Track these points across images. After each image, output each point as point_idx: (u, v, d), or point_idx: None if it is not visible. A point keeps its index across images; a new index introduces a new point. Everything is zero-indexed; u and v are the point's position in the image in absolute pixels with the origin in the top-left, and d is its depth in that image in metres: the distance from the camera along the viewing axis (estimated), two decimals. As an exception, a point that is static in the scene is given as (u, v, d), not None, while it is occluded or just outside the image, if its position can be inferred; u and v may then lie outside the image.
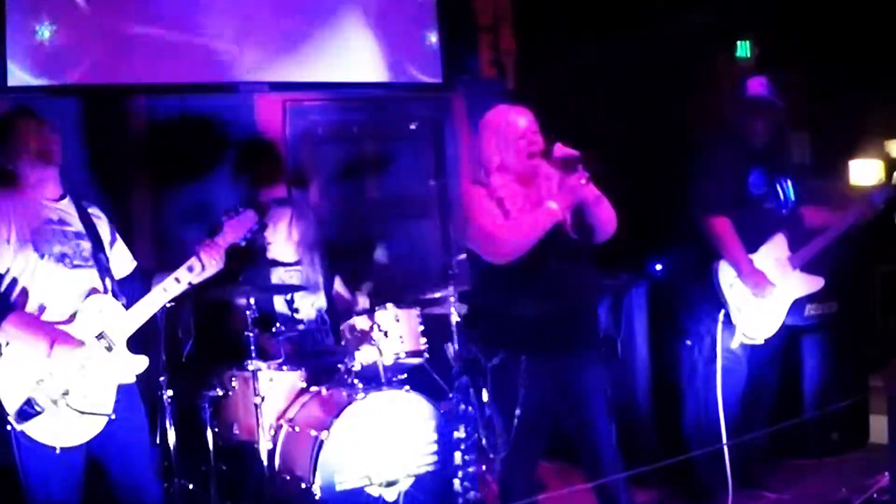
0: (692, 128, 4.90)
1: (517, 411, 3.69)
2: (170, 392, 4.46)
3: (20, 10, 5.06)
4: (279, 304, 5.01)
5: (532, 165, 3.73)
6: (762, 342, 4.50)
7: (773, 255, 4.53)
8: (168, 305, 4.26)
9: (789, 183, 4.63)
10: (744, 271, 4.42)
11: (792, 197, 4.61)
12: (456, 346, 4.93)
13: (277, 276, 5.08)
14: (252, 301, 4.53)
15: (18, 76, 5.06)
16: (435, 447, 4.51)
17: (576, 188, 3.61)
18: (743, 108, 4.52)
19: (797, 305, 4.62)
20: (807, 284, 4.61)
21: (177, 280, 3.65)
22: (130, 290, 3.72)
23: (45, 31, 5.12)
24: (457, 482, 4.57)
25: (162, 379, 4.44)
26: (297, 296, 5.00)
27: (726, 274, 4.44)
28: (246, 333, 4.52)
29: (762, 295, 4.43)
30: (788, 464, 5.14)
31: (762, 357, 4.61)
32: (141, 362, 3.62)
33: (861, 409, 5.41)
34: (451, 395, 4.96)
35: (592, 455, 3.81)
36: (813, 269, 4.61)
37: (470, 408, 4.71)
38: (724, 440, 4.34)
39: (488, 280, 3.78)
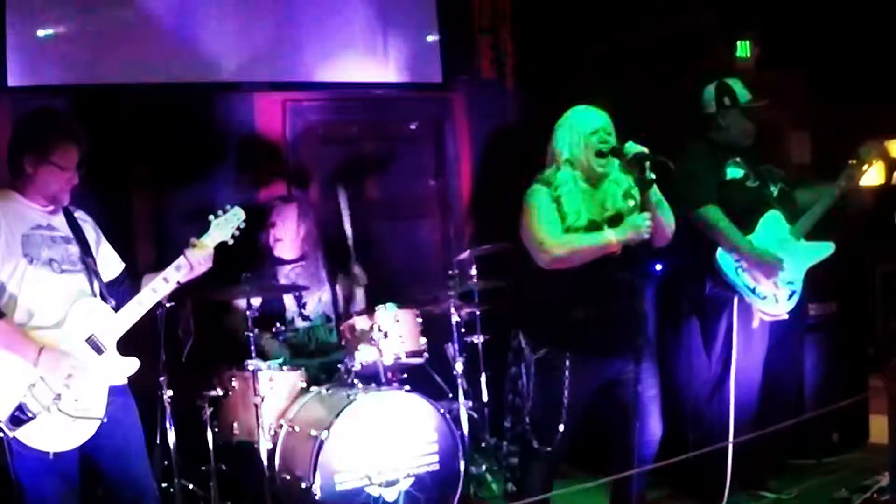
0: (686, 126, 4.91)
1: (563, 407, 3.73)
2: (170, 392, 4.46)
3: (20, 10, 5.05)
4: (288, 300, 5.04)
5: (601, 165, 3.74)
6: (786, 316, 4.50)
7: (771, 230, 4.54)
8: (168, 305, 4.27)
9: (773, 169, 4.66)
10: (743, 254, 4.43)
11: (777, 180, 4.63)
12: (456, 346, 4.94)
13: (283, 273, 5.10)
14: (253, 301, 4.54)
15: (18, 76, 5.05)
16: (435, 447, 4.51)
17: (640, 230, 3.62)
18: (730, 111, 4.57)
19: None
20: (816, 251, 4.61)
21: (165, 280, 3.63)
22: (119, 292, 3.71)
23: (44, 31, 5.12)
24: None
25: (162, 379, 4.44)
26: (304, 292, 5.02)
27: (729, 260, 4.45)
28: (246, 333, 4.53)
29: (772, 273, 4.44)
30: (788, 464, 5.14)
31: (779, 340, 4.61)
32: (132, 364, 3.61)
33: (861, 409, 5.41)
34: (450, 395, 4.98)
35: (627, 461, 3.75)
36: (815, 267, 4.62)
37: (518, 399, 4.73)
38: (731, 439, 4.36)
39: (540, 276, 3.79)
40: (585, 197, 3.77)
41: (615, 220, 3.75)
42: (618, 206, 3.77)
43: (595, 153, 3.74)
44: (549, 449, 3.83)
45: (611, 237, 3.65)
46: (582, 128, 3.78)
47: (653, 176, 3.60)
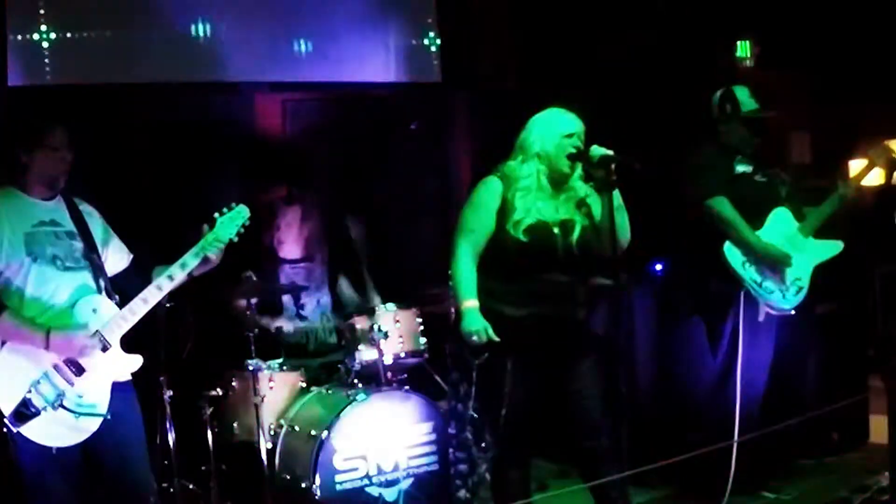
0: (690, 127, 4.91)
1: (503, 411, 3.71)
2: (170, 392, 4.46)
3: (20, 10, 5.06)
4: (287, 300, 5.04)
5: (568, 167, 3.75)
6: (793, 312, 4.51)
7: (780, 227, 4.55)
8: (168, 305, 4.26)
9: (779, 173, 4.67)
10: (752, 245, 4.43)
11: (784, 182, 4.64)
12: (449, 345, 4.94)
13: (284, 272, 5.11)
14: (253, 301, 4.54)
15: (18, 76, 5.06)
16: (435, 447, 4.51)
17: (472, 335, 3.64)
18: (731, 119, 4.58)
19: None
20: (824, 249, 4.61)
21: (182, 266, 3.58)
22: (127, 283, 3.70)
23: (44, 31, 5.12)
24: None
25: (162, 378, 4.44)
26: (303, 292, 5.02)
27: (735, 254, 4.45)
28: (246, 333, 4.53)
29: (780, 268, 4.44)
30: (788, 464, 5.13)
31: (787, 340, 4.62)
32: (136, 361, 3.61)
33: (861, 409, 5.41)
34: (448, 395, 4.97)
35: (589, 455, 3.79)
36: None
37: (460, 405, 4.72)
38: (736, 437, 4.36)
39: (480, 280, 3.78)
40: (543, 196, 3.77)
41: (565, 226, 3.75)
42: (570, 213, 3.78)
43: (566, 153, 3.76)
44: (507, 454, 3.81)
45: (465, 306, 3.67)
46: (559, 128, 3.80)
47: (614, 178, 3.60)
